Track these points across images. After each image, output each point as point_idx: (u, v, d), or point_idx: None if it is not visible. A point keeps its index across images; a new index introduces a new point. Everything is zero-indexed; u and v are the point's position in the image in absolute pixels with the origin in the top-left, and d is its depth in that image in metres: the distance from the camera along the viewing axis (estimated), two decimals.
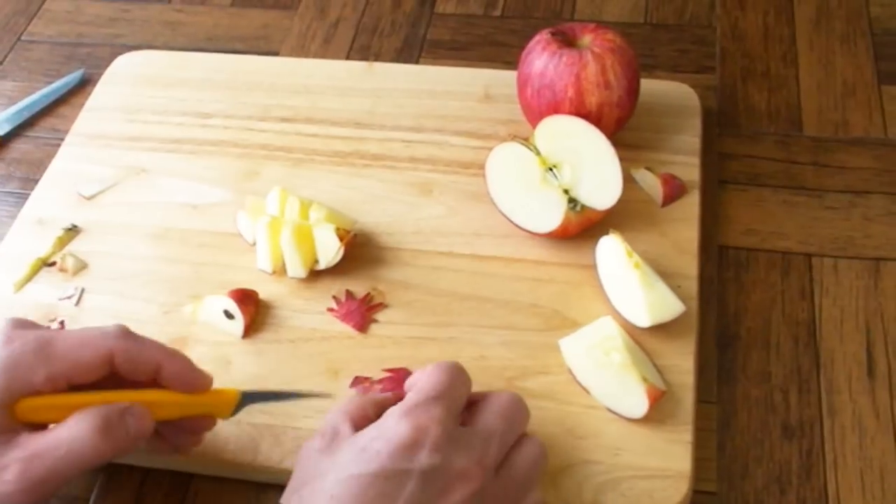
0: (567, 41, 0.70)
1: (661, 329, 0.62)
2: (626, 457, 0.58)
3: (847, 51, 0.82)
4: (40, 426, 0.52)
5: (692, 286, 0.65)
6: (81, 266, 0.70)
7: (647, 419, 0.58)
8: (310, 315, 0.66)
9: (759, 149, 0.76)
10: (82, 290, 0.69)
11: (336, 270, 0.67)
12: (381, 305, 0.66)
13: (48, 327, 0.57)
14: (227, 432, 0.60)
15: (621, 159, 0.66)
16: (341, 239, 0.66)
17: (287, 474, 0.58)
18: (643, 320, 0.61)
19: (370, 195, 0.73)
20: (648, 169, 0.71)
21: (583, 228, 0.67)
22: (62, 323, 0.67)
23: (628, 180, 0.69)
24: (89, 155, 0.78)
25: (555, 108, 0.69)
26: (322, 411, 0.60)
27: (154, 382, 0.54)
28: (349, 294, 0.67)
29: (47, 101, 0.85)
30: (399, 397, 0.53)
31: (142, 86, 0.83)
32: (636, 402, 0.58)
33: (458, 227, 0.70)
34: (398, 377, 0.61)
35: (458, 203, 0.72)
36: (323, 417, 0.60)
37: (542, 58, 0.69)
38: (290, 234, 0.66)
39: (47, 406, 0.52)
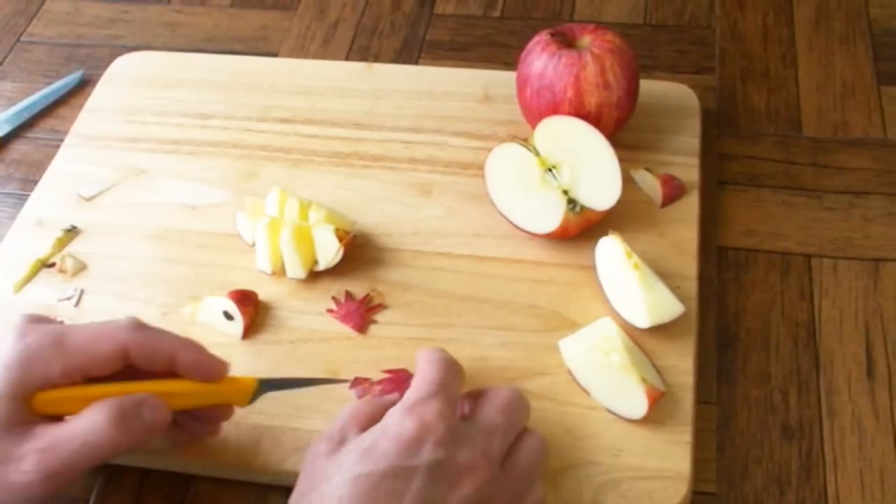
0: (566, 42, 0.70)
1: (660, 330, 0.62)
2: (625, 457, 0.58)
3: (846, 51, 0.82)
4: (57, 418, 0.53)
5: (691, 287, 0.65)
6: (81, 267, 0.70)
7: (646, 420, 0.58)
8: (309, 316, 0.66)
9: (758, 149, 0.76)
10: (82, 291, 0.69)
11: (335, 271, 0.67)
12: (381, 306, 0.66)
13: (62, 322, 0.57)
14: (227, 433, 0.60)
15: (620, 160, 0.66)
16: (340, 240, 0.66)
17: (287, 475, 0.58)
18: (643, 321, 0.61)
19: (369, 196, 0.73)
20: (648, 170, 0.71)
21: (582, 229, 0.67)
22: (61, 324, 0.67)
23: (627, 181, 0.69)
24: (89, 156, 0.78)
25: (554, 109, 0.69)
26: (321, 412, 0.61)
27: (170, 373, 0.55)
28: (348, 295, 0.67)
29: (47, 101, 0.85)
30: None
31: (141, 87, 0.83)
32: (636, 403, 0.58)
33: (458, 227, 0.70)
34: (397, 378, 0.61)
35: (457, 204, 0.72)
36: (322, 418, 0.60)
37: (541, 58, 0.69)
38: (289, 235, 0.66)
39: (63, 398, 0.53)
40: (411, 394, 0.53)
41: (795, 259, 0.69)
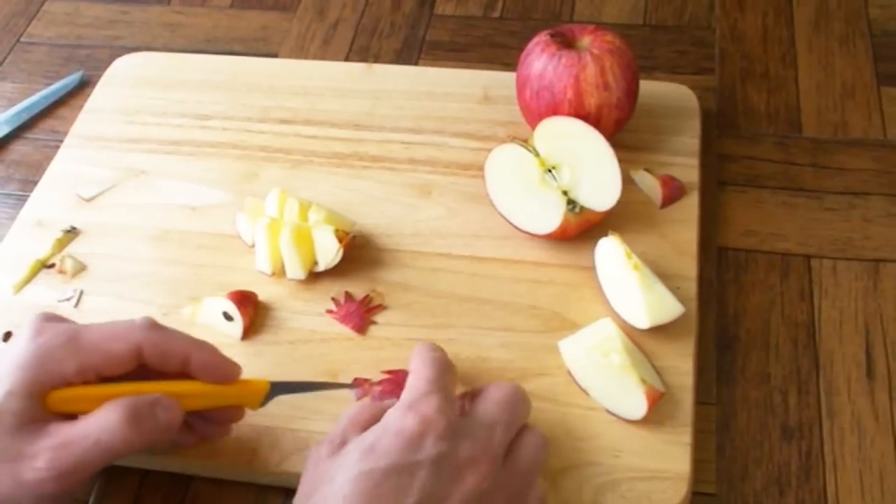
0: (566, 43, 0.70)
1: (660, 330, 0.62)
2: (625, 458, 0.58)
3: (846, 52, 0.82)
4: (70, 417, 0.53)
5: (691, 287, 0.65)
6: (80, 268, 0.70)
7: (646, 421, 0.58)
8: (309, 317, 0.66)
9: (758, 150, 0.76)
10: (81, 292, 0.69)
11: (335, 272, 0.67)
12: (380, 307, 0.66)
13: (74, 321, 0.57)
14: (225, 437, 0.60)
15: (620, 161, 0.66)
16: (340, 240, 0.66)
17: (286, 476, 0.58)
18: (642, 322, 0.61)
19: (369, 197, 0.73)
20: (647, 170, 0.71)
21: (582, 230, 0.67)
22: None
23: (627, 182, 0.69)
24: (88, 156, 0.78)
25: (554, 110, 0.69)
26: (321, 413, 0.61)
27: (183, 373, 0.55)
28: (348, 296, 0.67)
29: (46, 102, 0.85)
30: None
31: (141, 87, 0.83)
32: (635, 404, 0.58)
33: (458, 228, 0.70)
34: (397, 379, 0.61)
35: (457, 204, 0.72)
36: (321, 419, 0.60)
37: (541, 59, 0.69)
38: (289, 236, 0.66)
39: (78, 397, 0.53)
40: (409, 392, 0.53)
41: (795, 260, 0.69)
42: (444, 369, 0.55)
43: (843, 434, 0.60)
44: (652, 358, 0.62)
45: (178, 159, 0.77)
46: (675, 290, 0.63)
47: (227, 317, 0.65)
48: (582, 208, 0.66)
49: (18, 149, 0.82)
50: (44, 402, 0.52)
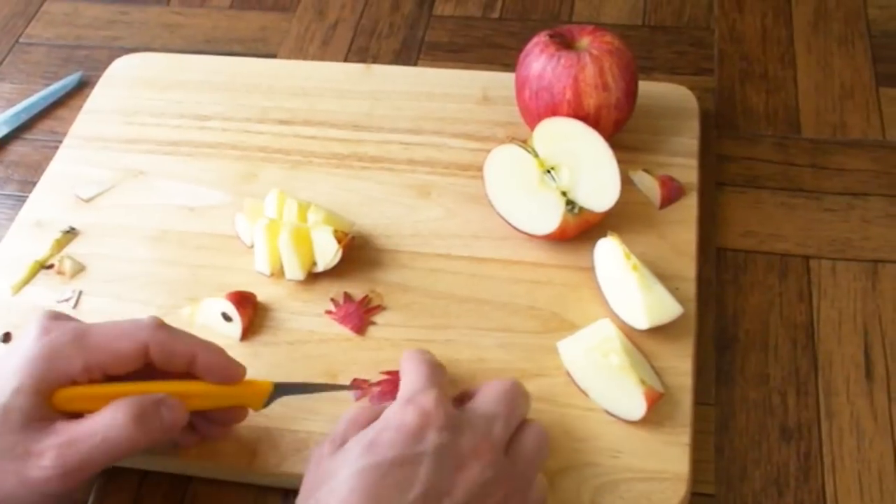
0: (565, 43, 0.70)
1: (659, 331, 0.62)
2: (624, 459, 0.58)
3: (845, 53, 0.82)
4: (76, 415, 0.53)
5: (690, 288, 0.65)
6: (79, 268, 0.70)
7: (645, 421, 0.58)
8: (308, 317, 0.66)
9: (757, 151, 0.76)
10: (80, 293, 0.69)
11: (334, 273, 0.67)
12: (379, 308, 0.66)
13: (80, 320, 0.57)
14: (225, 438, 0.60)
15: (619, 161, 0.66)
16: (339, 241, 0.66)
17: (285, 477, 0.58)
18: (641, 322, 0.61)
19: (368, 197, 0.73)
20: (646, 171, 0.71)
21: (581, 230, 0.67)
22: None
23: (626, 182, 0.69)
24: (87, 157, 0.78)
25: (553, 111, 0.69)
26: (320, 414, 0.61)
27: (187, 373, 0.55)
28: (347, 296, 0.67)
29: (45, 103, 0.85)
30: None
31: (140, 88, 0.83)
32: (634, 405, 0.58)
33: (457, 229, 0.70)
34: (396, 380, 0.61)
35: (456, 205, 0.72)
36: (321, 420, 0.60)
37: (540, 60, 0.69)
38: (288, 237, 0.66)
39: (84, 396, 0.53)
40: (406, 388, 0.54)
41: (794, 260, 0.69)
42: (436, 368, 0.56)
43: (842, 435, 0.60)
44: (651, 358, 0.62)
45: (177, 160, 0.77)
46: (674, 291, 0.63)
47: (226, 317, 0.65)
48: (581, 209, 0.66)
49: (17, 149, 0.82)
50: (50, 401, 0.52)
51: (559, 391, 0.61)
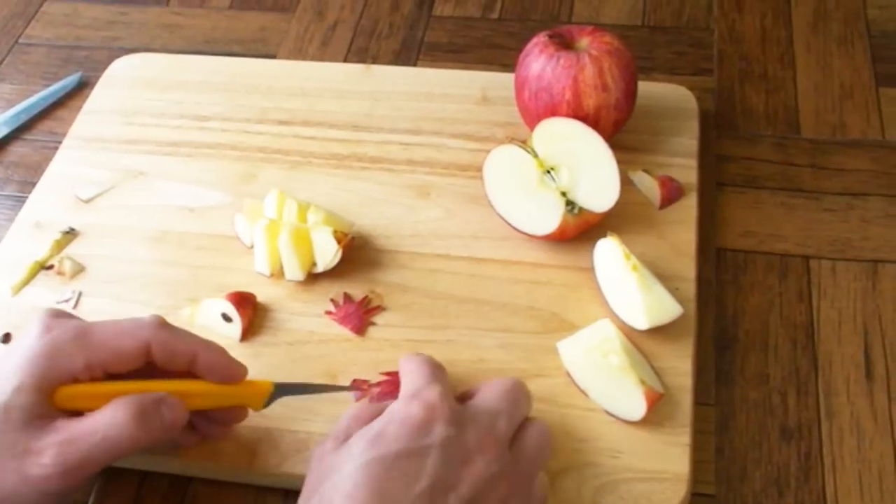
0: (564, 44, 0.70)
1: (659, 331, 0.62)
2: (624, 459, 0.58)
3: (845, 53, 0.82)
4: (77, 413, 0.53)
5: (690, 288, 0.65)
6: (79, 269, 0.70)
7: (645, 422, 0.58)
8: (307, 318, 0.66)
9: (756, 151, 0.76)
10: (80, 294, 0.69)
11: (334, 273, 0.67)
12: (379, 308, 0.66)
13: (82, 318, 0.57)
14: (226, 435, 0.60)
15: (619, 162, 0.66)
16: (339, 242, 0.66)
17: (285, 477, 0.58)
18: (641, 323, 0.61)
19: (368, 198, 0.73)
20: (646, 171, 0.71)
21: (580, 231, 0.67)
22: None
23: (626, 183, 0.69)
24: (87, 158, 0.78)
25: (552, 111, 0.69)
26: (320, 415, 0.60)
27: (188, 372, 0.55)
28: (347, 297, 0.67)
29: (45, 104, 0.85)
30: None
31: (139, 88, 0.83)
32: (634, 405, 0.58)
33: (456, 229, 0.70)
34: (396, 380, 0.61)
35: (455, 205, 0.72)
36: (321, 420, 0.60)
37: (539, 60, 0.69)
38: (287, 237, 0.66)
39: (85, 394, 0.53)
40: (409, 385, 0.54)
41: (794, 260, 0.69)
42: (438, 367, 0.56)
43: (842, 435, 0.60)
44: (651, 359, 0.62)
45: (177, 160, 0.77)
46: (674, 291, 0.63)
47: (226, 318, 0.65)
48: (580, 209, 0.66)
49: (17, 150, 0.82)
50: (51, 398, 0.52)
51: (559, 391, 0.61)
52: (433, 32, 0.88)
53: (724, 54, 0.83)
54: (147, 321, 0.55)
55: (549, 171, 0.67)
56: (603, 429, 0.59)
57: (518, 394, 0.55)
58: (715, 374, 0.64)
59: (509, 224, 0.67)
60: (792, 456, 0.60)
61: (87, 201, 0.75)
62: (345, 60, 0.86)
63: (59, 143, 0.79)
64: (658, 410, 0.59)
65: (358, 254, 0.69)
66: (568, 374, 0.61)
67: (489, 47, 0.86)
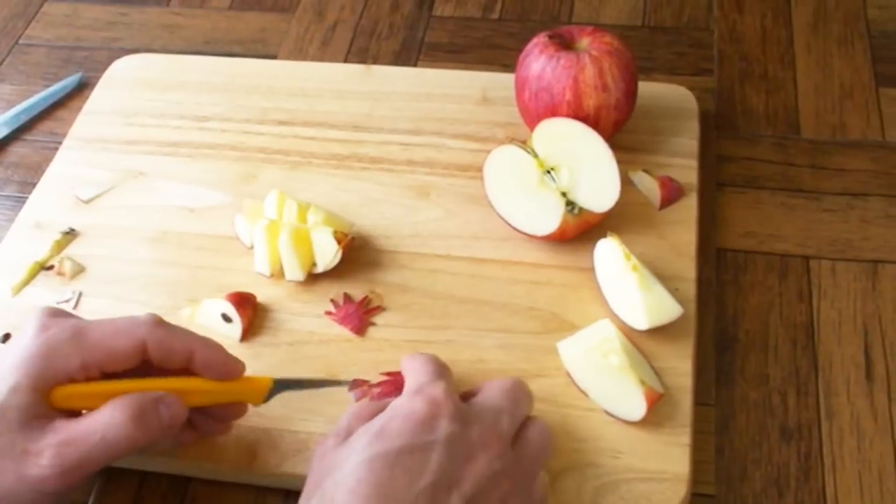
0: (565, 44, 0.70)
1: (659, 332, 0.62)
2: (624, 459, 0.58)
3: (845, 53, 0.82)
4: (74, 413, 0.53)
5: (690, 289, 0.65)
6: (79, 270, 0.70)
7: (645, 422, 0.58)
8: (308, 318, 0.66)
9: (756, 151, 0.76)
10: (80, 294, 0.69)
11: (334, 273, 0.67)
12: (379, 308, 0.66)
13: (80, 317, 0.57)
14: (225, 435, 0.60)
15: (619, 162, 0.66)
16: (339, 242, 0.66)
17: (285, 477, 0.58)
18: (641, 323, 0.61)
19: (368, 198, 0.73)
20: (646, 171, 0.71)
21: (580, 231, 0.67)
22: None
23: (626, 183, 0.69)
24: (87, 158, 0.78)
25: (552, 111, 0.69)
26: (320, 415, 0.60)
27: (186, 370, 0.55)
28: (347, 297, 0.67)
29: (45, 104, 0.85)
30: None
31: (139, 89, 0.83)
32: (634, 405, 0.58)
33: (456, 229, 0.70)
34: (395, 380, 0.61)
35: (455, 206, 0.72)
36: (321, 420, 0.60)
37: (539, 61, 0.69)
38: (287, 238, 0.66)
39: (82, 393, 0.53)
40: (413, 381, 0.54)
41: (794, 261, 0.69)
42: (441, 365, 0.56)
43: (843, 435, 0.60)
44: (651, 359, 0.62)
45: (177, 161, 0.77)
46: (674, 292, 0.63)
47: (226, 318, 0.65)
48: (581, 209, 0.66)
49: (17, 150, 0.82)
50: (48, 398, 0.52)
51: (559, 392, 0.61)
52: (433, 33, 0.88)
53: (724, 54, 0.83)
54: (143, 319, 0.55)
55: (549, 172, 0.67)
56: (603, 429, 0.59)
57: (520, 392, 0.55)
58: (715, 375, 0.64)
59: (509, 224, 0.67)
60: (792, 456, 0.60)
61: (87, 202, 0.75)
62: (345, 61, 0.86)
63: (60, 143, 0.79)
64: (658, 411, 0.59)
65: (358, 254, 0.69)
66: (568, 375, 0.61)
67: (489, 47, 0.86)
